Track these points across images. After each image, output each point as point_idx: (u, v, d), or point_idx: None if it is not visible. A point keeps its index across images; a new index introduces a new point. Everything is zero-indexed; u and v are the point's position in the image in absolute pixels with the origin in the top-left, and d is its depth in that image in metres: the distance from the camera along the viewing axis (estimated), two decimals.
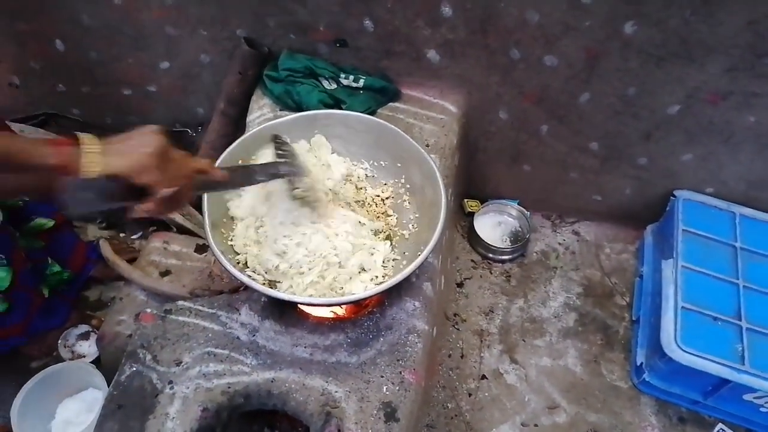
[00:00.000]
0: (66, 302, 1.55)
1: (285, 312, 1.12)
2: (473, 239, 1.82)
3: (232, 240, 1.10)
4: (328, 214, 1.10)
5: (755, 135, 1.47)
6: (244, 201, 1.13)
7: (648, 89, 1.43)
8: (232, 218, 1.13)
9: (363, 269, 1.08)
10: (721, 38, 1.28)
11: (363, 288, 1.04)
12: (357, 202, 1.22)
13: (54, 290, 1.47)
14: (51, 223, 1.42)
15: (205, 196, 1.05)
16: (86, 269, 1.60)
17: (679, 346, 1.35)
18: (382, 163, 1.26)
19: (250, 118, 1.51)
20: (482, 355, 1.58)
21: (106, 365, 1.40)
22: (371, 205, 1.22)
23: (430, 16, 1.39)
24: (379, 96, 1.52)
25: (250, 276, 1.01)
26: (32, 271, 1.38)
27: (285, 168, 1.03)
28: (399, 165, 1.24)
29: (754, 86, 1.36)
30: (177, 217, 1.57)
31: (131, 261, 1.45)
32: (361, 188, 1.25)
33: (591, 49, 1.37)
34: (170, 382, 1.03)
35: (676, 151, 1.58)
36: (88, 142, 0.77)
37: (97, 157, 0.76)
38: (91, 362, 1.48)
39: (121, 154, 0.77)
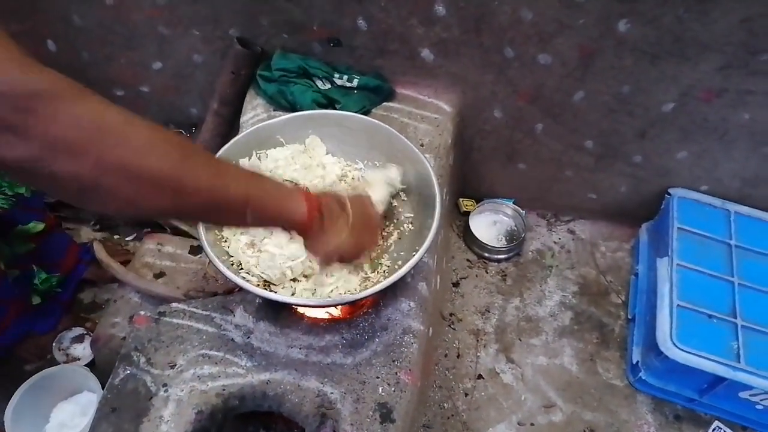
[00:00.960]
0: (59, 305, 1.54)
1: (280, 313, 1.11)
2: (469, 238, 1.81)
3: (225, 241, 1.09)
4: None
5: (749, 132, 1.48)
6: None
7: (642, 87, 1.43)
8: None
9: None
10: (714, 36, 1.28)
11: (357, 287, 1.04)
12: None
13: (46, 296, 1.46)
14: (41, 226, 1.40)
15: None
16: (78, 270, 1.59)
17: (674, 344, 1.35)
18: (376, 163, 1.26)
19: (243, 118, 1.50)
20: (478, 354, 1.58)
21: (100, 368, 1.40)
22: None
23: (423, 14, 1.38)
24: (374, 95, 1.52)
25: (244, 277, 1.01)
26: (16, 280, 1.36)
27: None
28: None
29: (748, 84, 1.36)
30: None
31: (125, 263, 1.44)
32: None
33: (585, 48, 1.37)
34: (164, 385, 1.02)
35: (671, 149, 1.58)
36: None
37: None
38: (86, 365, 1.48)
39: (352, 245, 0.78)
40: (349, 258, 0.80)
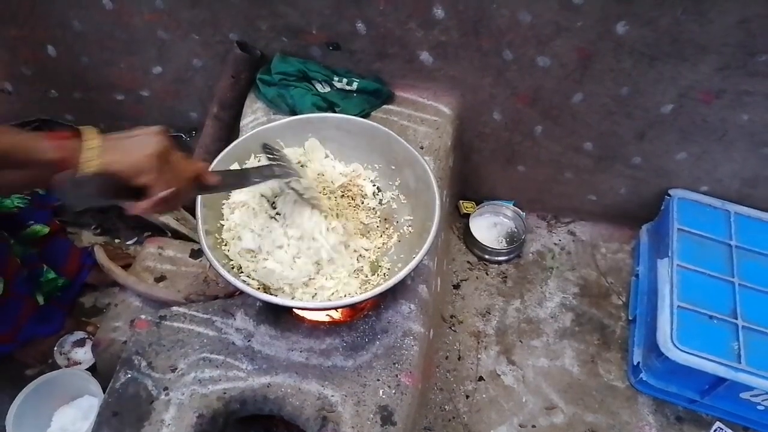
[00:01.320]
0: (61, 309, 1.55)
1: (280, 316, 1.12)
2: (469, 241, 1.82)
3: (226, 245, 1.10)
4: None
5: (749, 133, 1.48)
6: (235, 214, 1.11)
7: (641, 89, 1.43)
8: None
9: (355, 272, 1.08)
10: (712, 37, 1.28)
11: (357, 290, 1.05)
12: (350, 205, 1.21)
13: (49, 297, 1.46)
14: (46, 230, 1.41)
15: (198, 201, 1.04)
16: (81, 275, 1.59)
17: (675, 345, 1.35)
18: (376, 165, 1.26)
19: (243, 122, 1.51)
20: (479, 356, 1.58)
21: (101, 372, 1.40)
22: (364, 210, 1.22)
23: (422, 18, 1.39)
24: (373, 98, 1.52)
25: (244, 281, 1.01)
26: (27, 278, 1.37)
27: (279, 169, 1.03)
28: (393, 167, 1.23)
29: (747, 85, 1.36)
30: (171, 222, 1.57)
31: (126, 267, 1.45)
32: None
33: (583, 50, 1.37)
34: (165, 389, 1.02)
35: (670, 150, 1.58)
36: (89, 137, 0.76)
37: (96, 153, 0.75)
38: (87, 369, 1.48)
39: (121, 153, 0.77)
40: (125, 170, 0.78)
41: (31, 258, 1.40)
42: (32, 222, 1.40)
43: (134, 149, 0.78)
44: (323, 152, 1.25)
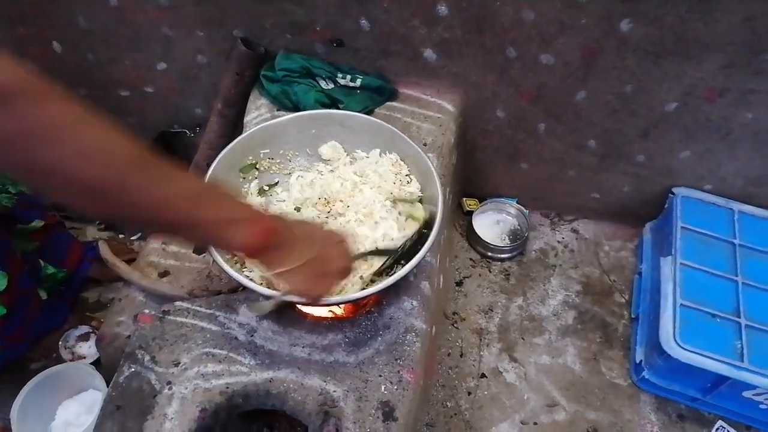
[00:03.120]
0: (65, 303, 1.56)
1: (283, 312, 1.12)
2: (472, 238, 1.82)
3: None
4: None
5: (753, 132, 1.47)
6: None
7: (645, 87, 1.43)
8: None
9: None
10: (717, 35, 1.28)
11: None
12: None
13: (51, 292, 1.47)
14: (41, 223, 1.41)
15: None
16: (83, 267, 1.60)
17: (678, 343, 1.35)
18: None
19: (247, 118, 1.51)
20: (481, 353, 1.58)
21: (105, 366, 1.41)
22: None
23: (426, 15, 1.39)
24: (376, 95, 1.52)
25: (247, 276, 1.01)
26: (29, 273, 1.38)
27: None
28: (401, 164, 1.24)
29: (751, 83, 1.36)
30: None
31: (130, 262, 1.45)
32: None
33: (587, 48, 1.37)
34: (168, 383, 1.03)
35: (674, 149, 1.58)
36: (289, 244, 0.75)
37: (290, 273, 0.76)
38: (91, 363, 1.49)
39: (312, 280, 0.79)
40: (298, 291, 0.82)
41: (29, 255, 1.41)
42: (24, 220, 1.39)
43: (326, 280, 0.82)
44: (342, 157, 1.26)
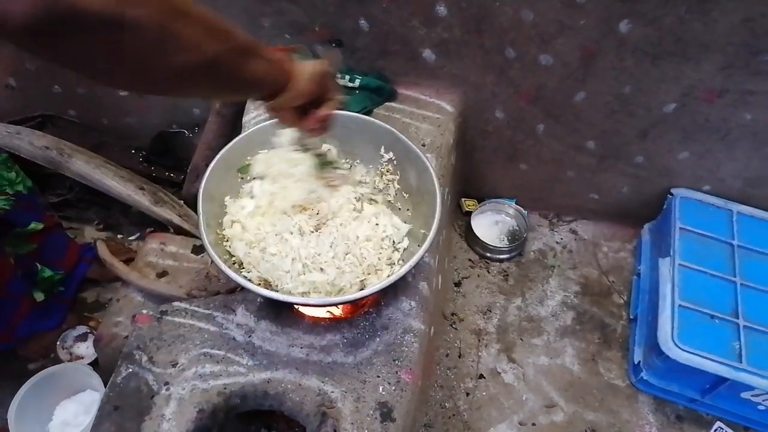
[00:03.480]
0: (63, 303, 1.55)
1: (281, 312, 1.12)
2: (471, 238, 1.82)
3: (227, 241, 1.10)
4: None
5: (751, 132, 1.47)
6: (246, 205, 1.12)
7: (644, 87, 1.43)
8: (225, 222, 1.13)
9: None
10: (716, 36, 1.28)
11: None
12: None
13: (49, 293, 1.47)
14: (40, 225, 1.41)
15: (200, 197, 1.05)
16: (80, 268, 1.60)
17: (676, 344, 1.35)
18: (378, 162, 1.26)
19: (246, 118, 1.51)
20: (480, 354, 1.58)
21: (103, 366, 1.40)
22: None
23: (425, 15, 1.39)
24: (376, 96, 1.52)
25: (245, 276, 1.01)
26: (22, 279, 1.37)
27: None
28: (395, 164, 1.24)
29: (750, 84, 1.36)
30: (174, 218, 1.57)
31: (128, 262, 1.45)
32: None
33: (586, 48, 1.37)
34: (166, 384, 1.03)
35: (673, 149, 1.58)
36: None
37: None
38: (89, 363, 1.48)
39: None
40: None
41: (25, 259, 1.40)
42: (21, 224, 1.39)
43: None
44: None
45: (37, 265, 1.43)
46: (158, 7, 0.52)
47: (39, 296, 1.43)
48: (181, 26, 0.55)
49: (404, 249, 1.13)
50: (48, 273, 1.46)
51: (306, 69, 0.79)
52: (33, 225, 1.41)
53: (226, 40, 0.62)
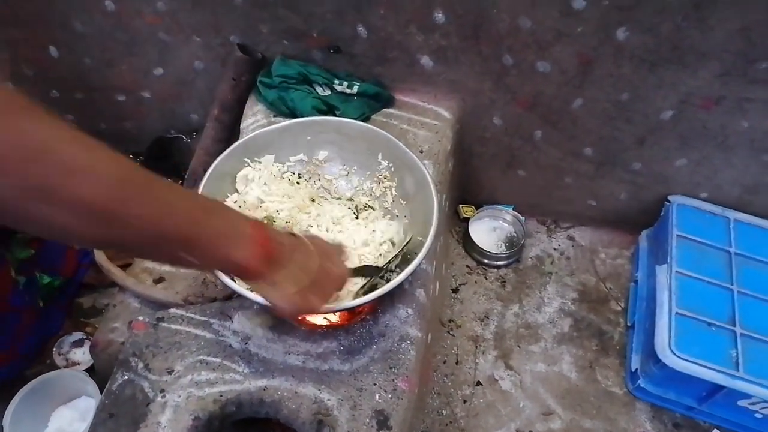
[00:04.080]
0: (60, 310, 1.55)
1: (277, 320, 1.12)
2: (468, 245, 1.82)
3: None
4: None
5: (749, 140, 1.48)
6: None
7: (641, 95, 1.43)
8: None
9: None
10: (713, 44, 1.28)
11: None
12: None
13: (48, 299, 1.47)
14: None
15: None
16: (79, 273, 1.59)
17: (673, 352, 1.34)
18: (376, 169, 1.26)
19: (244, 124, 1.51)
20: (477, 361, 1.58)
21: (99, 373, 1.40)
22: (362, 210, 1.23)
23: (422, 22, 1.39)
24: (373, 102, 1.52)
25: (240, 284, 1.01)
26: (23, 290, 1.37)
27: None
28: (392, 171, 1.24)
29: (747, 92, 1.36)
30: None
31: (126, 267, 1.45)
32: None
33: (583, 55, 1.37)
34: (162, 391, 1.02)
35: (670, 156, 1.58)
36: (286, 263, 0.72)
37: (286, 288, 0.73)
38: (86, 370, 1.48)
39: (307, 296, 0.75)
40: (295, 312, 0.79)
41: (25, 265, 1.40)
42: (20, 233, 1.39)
43: (321, 297, 0.78)
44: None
45: (36, 273, 1.43)
46: (15, 184, 0.47)
47: (40, 302, 1.43)
48: (41, 206, 0.49)
49: (402, 255, 1.13)
50: (47, 279, 1.46)
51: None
52: None
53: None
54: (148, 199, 0.56)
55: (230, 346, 1.09)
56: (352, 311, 1.15)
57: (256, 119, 1.50)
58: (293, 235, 0.79)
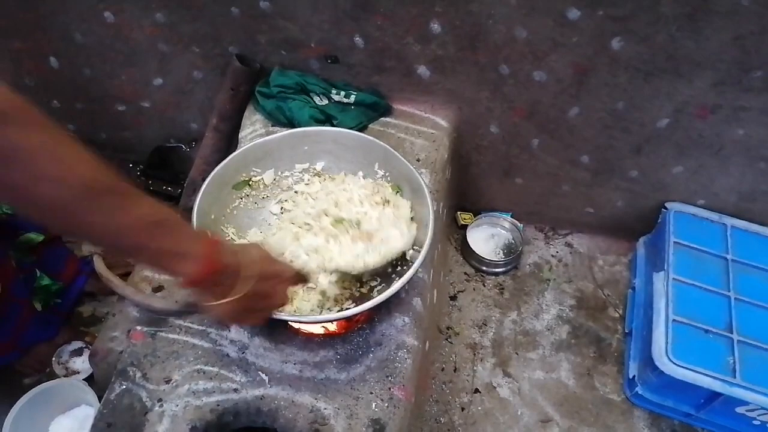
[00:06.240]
0: (57, 316, 1.56)
1: (275, 328, 1.12)
2: (466, 252, 1.82)
3: None
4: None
5: (745, 148, 1.48)
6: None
7: (637, 104, 1.44)
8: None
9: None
10: (707, 53, 1.29)
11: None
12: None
13: (47, 304, 1.47)
14: (41, 237, 1.42)
15: (195, 215, 1.05)
16: (78, 281, 1.60)
17: (670, 359, 1.35)
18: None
19: (242, 133, 1.52)
20: (475, 368, 1.58)
21: (99, 382, 1.40)
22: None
23: (419, 32, 1.40)
24: (371, 111, 1.53)
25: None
26: (23, 282, 1.38)
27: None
28: (389, 181, 1.25)
29: (742, 100, 1.37)
30: None
31: (125, 276, 1.45)
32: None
33: (579, 65, 1.38)
34: (160, 400, 1.03)
35: (667, 164, 1.59)
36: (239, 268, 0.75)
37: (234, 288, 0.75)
38: (85, 379, 1.48)
39: (241, 314, 0.79)
40: (237, 321, 0.86)
41: (26, 264, 1.41)
42: (24, 230, 1.41)
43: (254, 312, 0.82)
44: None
45: (37, 271, 1.44)
46: None
47: (38, 305, 1.44)
48: (11, 200, 0.61)
49: (399, 264, 1.14)
50: (46, 281, 1.46)
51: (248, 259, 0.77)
52: (34, 236, 1.42)
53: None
54: (103, 209, 0.61)
55: (227, 355, 1.09)
56: (348, 320, 1.16)
57: (254, 129, 1.51)
58: (256, 248, 0.82)
